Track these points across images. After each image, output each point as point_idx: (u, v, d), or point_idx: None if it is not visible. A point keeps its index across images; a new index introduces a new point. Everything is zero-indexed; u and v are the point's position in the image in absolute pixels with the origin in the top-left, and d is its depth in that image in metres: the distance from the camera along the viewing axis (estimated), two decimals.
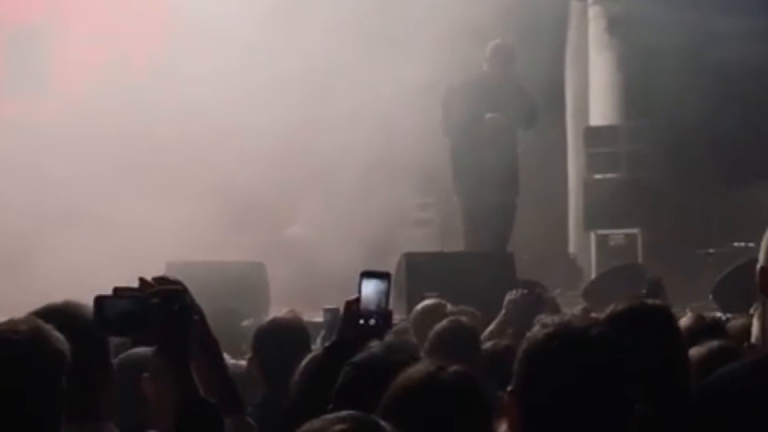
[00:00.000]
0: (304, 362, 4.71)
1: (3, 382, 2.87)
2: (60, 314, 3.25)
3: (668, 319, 3.85)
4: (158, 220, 12.13)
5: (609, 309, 3.83)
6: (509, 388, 2.63)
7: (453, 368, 3.02)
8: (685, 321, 4.69)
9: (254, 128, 13.17)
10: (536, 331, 2.64)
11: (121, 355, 4.48)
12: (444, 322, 6.13)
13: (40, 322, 2.95)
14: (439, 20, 12.34)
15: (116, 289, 3.24)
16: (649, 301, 4.01)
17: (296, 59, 12.82)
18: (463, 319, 6.32)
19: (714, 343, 4.15)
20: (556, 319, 2.66)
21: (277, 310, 10.16)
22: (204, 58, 12.84)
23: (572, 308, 9.82)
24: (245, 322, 9.45)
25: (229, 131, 13.47)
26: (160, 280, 3.28)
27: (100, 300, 3.18)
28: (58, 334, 2.93)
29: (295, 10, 12.77)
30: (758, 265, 3.30)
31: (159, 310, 3.13)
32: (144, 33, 14.05)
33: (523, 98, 11.57)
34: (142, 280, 3.26)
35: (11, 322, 3.00)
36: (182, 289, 3.21)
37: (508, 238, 11.80)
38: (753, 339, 3.44)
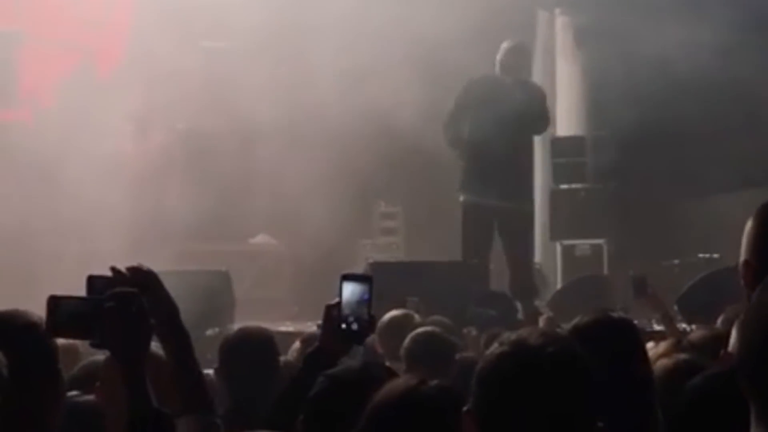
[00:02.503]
0: None
1: None
2: None
3: (632, 331, 3.84)
4: (124, 226, 12.07)
5: (573, 321, 3.80)
6: (466, 408, 2.58)
7: (434, 382, 2.93)
8: (662, 347, 4.63)
9: (219, 134, 13.12)
10: (492, 349, 2.55)
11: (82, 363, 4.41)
12: (420, 331, 6.05)
13: None
14: (402, 33, 12.31)
15: (90, 278, 3.16)
16: (614, 313, 4.00)
17: (255, 67, 12.78)
18: (437, 329, 6.26)
19: (681, 356, 4.14)
20: (513, 336, 2.55)
21: (241, 319, 10.12)
22: (169, 63, 12.77)
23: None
24: (209, 332, 9.42)
25: (194, 139, 13.43)
26: (133, 270, 3.21)
27: (54, 300, 3.09)
28: None
29: (259, 16, 12.72)
30: (741, 259, 3.31)
31: (113, 314, 3.02)
32: (109, 39, 13.99)
33: (534, 101, 11.38)
34: (114, 269, 3.19)
35: None
36: (138, 292, 3.10)
37: (525, 250, 11.71)
38: (730, 347, 3.43)
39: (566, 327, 3.90)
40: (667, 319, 7.94)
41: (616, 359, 3.62)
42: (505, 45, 11.39)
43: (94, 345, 3.16)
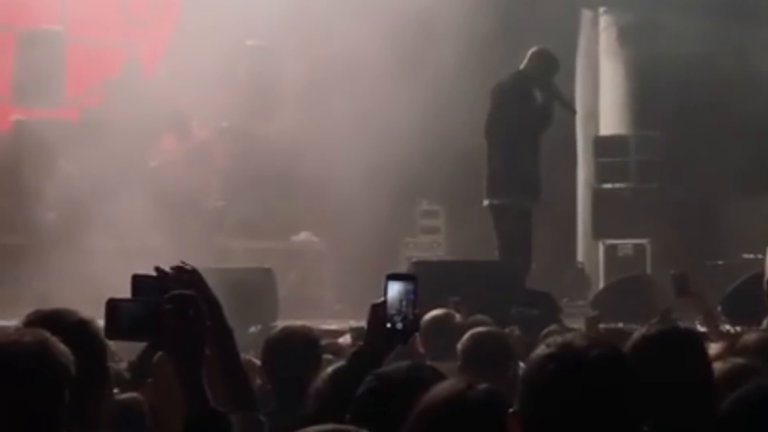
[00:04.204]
0: (330, 369, 4.61)
1: (6, 393, 2.77)
2: (51, 321, 3.14)
3: (698, 342, 3.82)
4: (164, 224, 12.12)
5: (641, 331, 3.76)
6: (512, 410, 2.58)
7: (482, 386, 2.92)
8: (715, 349, 4.55)
9: (260, 134, 13.15)
10: (539, 351, 2.58)
11: None
12: (479, 330, 5.91)
13: (47, 334, 2.85)
14: (448, 30, 12.30)
15: (134, 277, 3.24)
16: (681, 325, 3.98)
17: (299, 66, 12.80)
18: (496, 328, 6.15)
19: (738, 360, 4.06)
20: (559, 338, 2.59)
21: (284, 316, 10.16)
22: (213, 61, 12.81)
23: (579, 318, 9.82)
24: (252, 329, 9.45)
25: (235, 136, 13.47)
26: (177, 269, 3.27)
27: (112, 303, 3.15)
28: (63, 347, 2.84)
29: (300, 17, 12.74)
30: (766, 278, 3.28)
31: (173, 316, 3.09)
32: (153, 35, 14.07)
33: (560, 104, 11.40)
34: (158, 268, 3.24)
35: (17, 333, 2.91)
36: (196, 295, 3.17)
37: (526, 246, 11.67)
38: None
39: (607, 327, 3.87)
40: (710, 320, 7.83)
41: (682, 369, 3.60)
42: (532, 50, 11.42)
43: (152, 346, 3.25)
